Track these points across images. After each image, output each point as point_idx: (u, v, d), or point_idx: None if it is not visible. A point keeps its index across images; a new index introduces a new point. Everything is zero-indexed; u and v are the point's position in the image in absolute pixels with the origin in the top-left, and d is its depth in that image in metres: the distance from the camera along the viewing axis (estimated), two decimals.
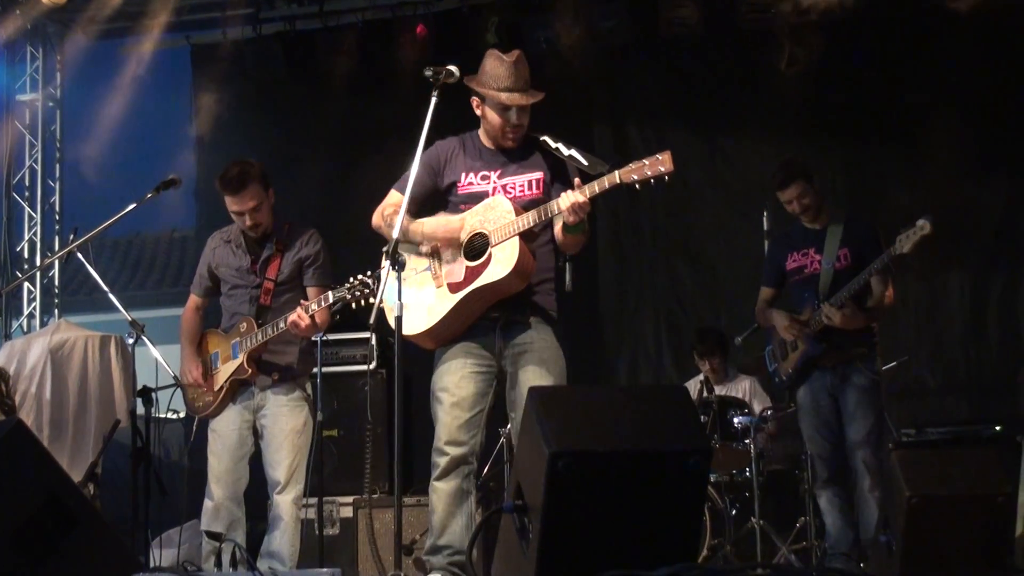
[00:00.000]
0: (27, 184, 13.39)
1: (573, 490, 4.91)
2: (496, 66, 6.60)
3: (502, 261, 6.34)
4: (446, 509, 6.46)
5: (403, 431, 6.11)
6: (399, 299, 5.99)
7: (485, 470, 9.59)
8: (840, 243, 8.36)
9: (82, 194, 13.69)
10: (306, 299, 7.84)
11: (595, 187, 6.22)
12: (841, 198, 11.23)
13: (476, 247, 6.46)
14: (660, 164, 6.08)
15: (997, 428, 9.62)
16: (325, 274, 7.93)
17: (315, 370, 7.72)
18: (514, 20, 11.91)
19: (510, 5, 12.07)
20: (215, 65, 12.76)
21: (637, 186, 6.15)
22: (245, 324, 7.87)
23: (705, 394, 10.12)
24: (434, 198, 6.81)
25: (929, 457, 7.51)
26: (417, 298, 6.51)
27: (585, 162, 6.43)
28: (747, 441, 9.57)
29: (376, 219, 6.82)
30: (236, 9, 12.69)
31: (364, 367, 10.33)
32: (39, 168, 13.39)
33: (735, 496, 9.96)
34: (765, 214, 9.25)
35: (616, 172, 6.18)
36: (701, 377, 10.72)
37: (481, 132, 6.81)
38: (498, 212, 6.43)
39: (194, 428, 8.29)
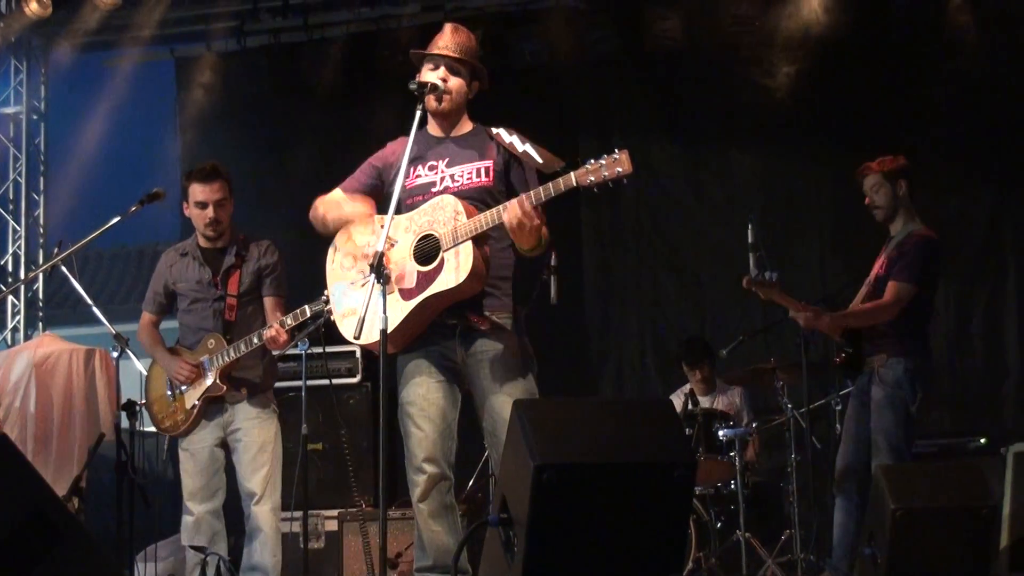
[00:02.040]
0: (11, 197, 13.37)
1: (558, 503, 4.91)
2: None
3: (456, 267, 6.08)
4: (434, 529, 6.32)
5: (387, 444, 6.06)
6: (383, 312, 5.90)
7: (471, 482, 9.58)
8: (888, 252, 8.29)
9: (66, 207, 13.67)
10: (263, 310, 7.94)
11: (550, 189, 5.93)
12: (827, 211, 11.27)
13: (426, 250, 6.21)
14: (618, 165, 5.79)
15: (982, 441, 9.64)
16: (282, 284, 8.01)
17: (298, 383, 7.75)
18: (500, 33, 11.91)
19: (496, 18, 12.09)
20: (199, 78, 12.77)
21: (595, 189, 5.85)
22: (213, 340, 7.83)
23: (690, 407, 10.14)
24: (383, 196, 6.57)
25: (914, 470, 7.53)
26: (369, 304, 6.09)
27: (540, 160, 6.15)
28: (732, 454, 9.58)
29: (313, 212, 6.71)
30: (221, 22, 12.71)
31: (349, 380, 10.35)
32: (23, 181, 13.37)
33: (720, 509, 9.95)
34: (749, 227, 9.24)
35: (572, 174, 5.87)
36: (687, 389, 10.73)
37: (429, 122, 6.57)
38: (447, 213, 6.16)
39: (165, 444, 8.28)
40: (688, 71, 11.92)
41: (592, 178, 5.83)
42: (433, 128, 6.58)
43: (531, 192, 6.01)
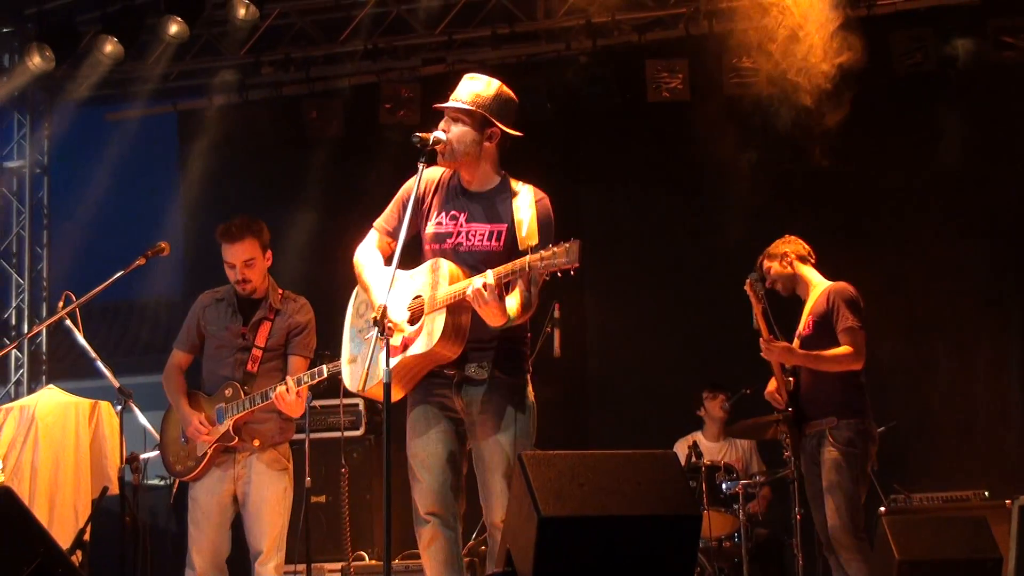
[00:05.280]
0: (14, 251, 13.40)
1: (563, 556, 4.90)
2: None
3: (429, 333, 6.13)
4: None
5: (389, 497, 6.02)
6: (387, 367, 5.89)
7: (475, 535, 9.56)
8: (808, 312, 8.67)
9: (69, 260, 13.69)
10: (286, 368, 7.89)
11: (507, 270, 5.96)
12: (830, 262, 11.26)
13: (414, 311, 6.27)
14: (567, 255, 5.76)
15: (986, 493, 9.62)
16: (309, 346, 7.94)
17: (302, 436, 7.71)
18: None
19: (498, 70, 12.09)
20: (202, 131, 12.82)
21: (546, 276, 5.94)
22: (230, 389, 7.80)
23: (694, 459, 10.12)
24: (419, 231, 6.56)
25: (918, 522, 7.53)
26: (371, 355, 6.07)
27: (524, 233, 6.20)
28: (735, 506, 9.56)
29: (356, 262, 6.59)
30: (223, 76, 12.77)
31: (353, 432, 10.34)
32: (26, 235, 13.40)
33: (724, 562, 9.93)
34: (750, 281, 9.28)
35: (526, 258, 5.89)
36: (690, 440, 10.72)
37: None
38: (438, 276, 6.22)
39: (174, 491, 8.24)
40: (690, 123, 11.93)
41: (541, 264, 5.84)
42: (462, 175, 6.54)
43: (490, 271, 6.00)
